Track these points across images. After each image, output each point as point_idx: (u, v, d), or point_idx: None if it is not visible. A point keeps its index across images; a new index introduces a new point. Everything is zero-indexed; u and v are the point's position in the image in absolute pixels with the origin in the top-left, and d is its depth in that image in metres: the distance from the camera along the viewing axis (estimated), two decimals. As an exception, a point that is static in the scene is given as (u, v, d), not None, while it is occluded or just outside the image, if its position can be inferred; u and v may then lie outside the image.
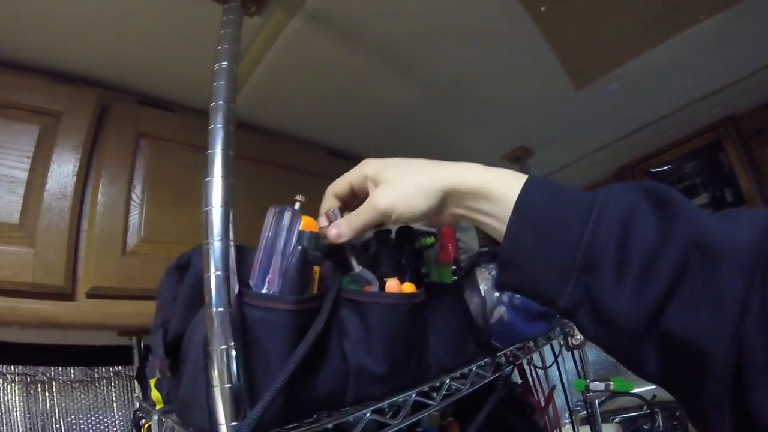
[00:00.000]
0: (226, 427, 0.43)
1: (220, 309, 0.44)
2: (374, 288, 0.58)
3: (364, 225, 0.54)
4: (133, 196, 1.00)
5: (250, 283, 0.49)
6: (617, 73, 1.38)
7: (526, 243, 0.42)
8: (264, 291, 0.49)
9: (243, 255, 0.50)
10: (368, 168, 0.56)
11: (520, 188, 0.44)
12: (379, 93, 1.25)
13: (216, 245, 0.45)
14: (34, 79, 0.97)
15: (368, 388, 0.55)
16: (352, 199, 0.59)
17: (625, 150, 2.05)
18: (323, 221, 0.58)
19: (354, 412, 0.52)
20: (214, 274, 0.44)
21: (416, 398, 0.60)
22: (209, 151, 0.50)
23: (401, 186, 0.51)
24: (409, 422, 0.59)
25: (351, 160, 1.47)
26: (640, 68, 1.38)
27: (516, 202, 0.43)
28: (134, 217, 0.99)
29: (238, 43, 0.62)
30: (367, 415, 0.53)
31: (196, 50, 0.98)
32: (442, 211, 0.52)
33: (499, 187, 0.46)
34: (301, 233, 0.51)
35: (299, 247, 0.49)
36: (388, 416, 0.57)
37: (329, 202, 0.59)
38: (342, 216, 0.57)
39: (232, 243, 0.46)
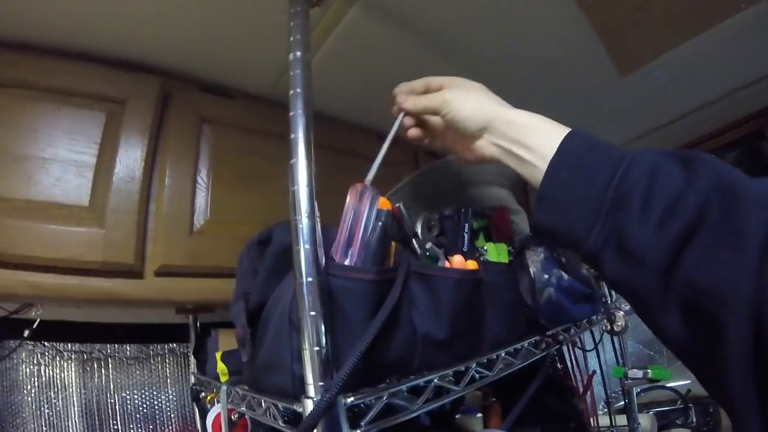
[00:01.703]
0: (314, 386, 0.47)
1: (309, 279, 0.48)
2: (441, 263, 0.62)
3: (424, 106, 0.64)
4: (199, 178, 1.05)
5: (334, 255, 0.53)
6: (662, 60, 1.37)
7: (563, 180, 0.47)
8: (347, 262, 0.52)
9: (322, 231, 0.53)
10: (448, 77, 0.66)
11: (563, 133, 0.50)
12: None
13: (304, 221, 0.49)
14: (97, 68, 1.02)
15: (432, 355, 0.59)
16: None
17: (667, 139, 2.02)
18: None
19: (423, 377, 0.56)
20: (303, 248, 0.48)
21: (475, 368, 0.63)
22: (292, 136, 0.54)
23: (466, 95, 0.61)
24: (468, 391, 0.63)
25: (400, 144, 1.48)
26: (684, 56, 1.37)
27: (560, 144, 0.49)
28: (200, 199, 1.04)
29: (308, 32, 0.65)
30: (435, 380, 0.56)
31: (257, 39, 1.03)
32: (482, 133, 0.59)
33: (543, 128, 0.53)
34: (379, 211, 0.54)
35: (380, 223, 0.53)
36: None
37: (405, 88, 0.69)
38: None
39: (318, 219, 0.50)
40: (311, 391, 0.47)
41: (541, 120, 0.54)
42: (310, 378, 0.47)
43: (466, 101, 0.60)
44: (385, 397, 0.50)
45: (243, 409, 0.66)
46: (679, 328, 0.39)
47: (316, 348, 0.47)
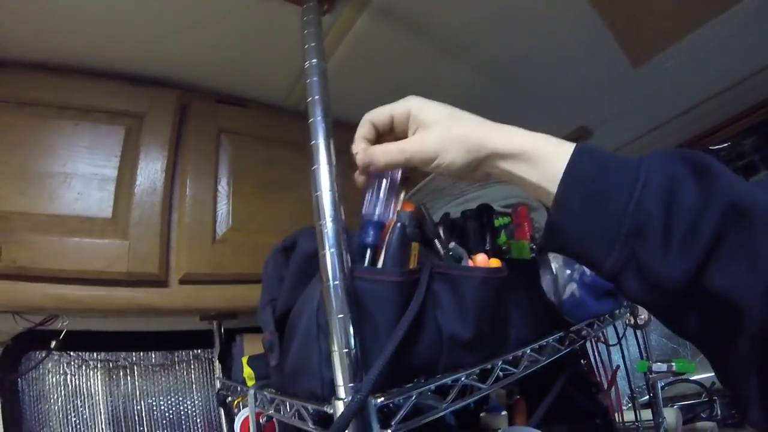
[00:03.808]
0: (345, 388, 0.48)
1: (336, 282, 0.48)
2: (465, 263, 0.62)
3: (398, 160, 0.55)
4: (219, 188, 1.06)
5: (364, 212, 0.57)
6: (673, 50, 1.36)
7: (574, 210, 0.44)
8: (376, 216, 0.56)
9: (347, 235, 0.54)
10: (413, 106, 0.55)
11: (567, 155, 0.46)
12: (442, 81, 1.28)
13: (329, 225, 0.50)
14: (115, 84, 1.04)
15: (458, 356, 0.59)
16: (387, 135, 0.59)
17: (683, 128, 2.00)
18: (358, 145, 0.59)
19: (450, 376, 0.56)
20: (329, 252, 0.49)
21: (501, 366, 0.64)
22: (312, 142, 0.55)
23: (448, 136, 0.52)
24: (494, 389, 0.63)
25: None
26: (696, 44, 1.36)
27: (565, 169, 0.45)
28: (222, 208, 1.06)
29: (321, 40, 0.66)
30: (462, 378, 0.57)
31: (270, 49, 1.04)
32: (478, 168, 0.53)
33: (543, 152, 0.48)
34: (400, 213, 0.55)
35: (398, 224, 0.53)
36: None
37: (366, 128, 0.59)
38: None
39: (342, 223, 0.51)
40: (342, 392, 0.48)
41: (536, 141, 0.50)
42: (340, 380, 0.48)
43: (454, 143, 0.52)
44: (414, 397, 0.51)
45: (271, 412, 0.67)
46: (696, 326, 0.41)
47: (345, 350, 0.48)
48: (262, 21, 0.96)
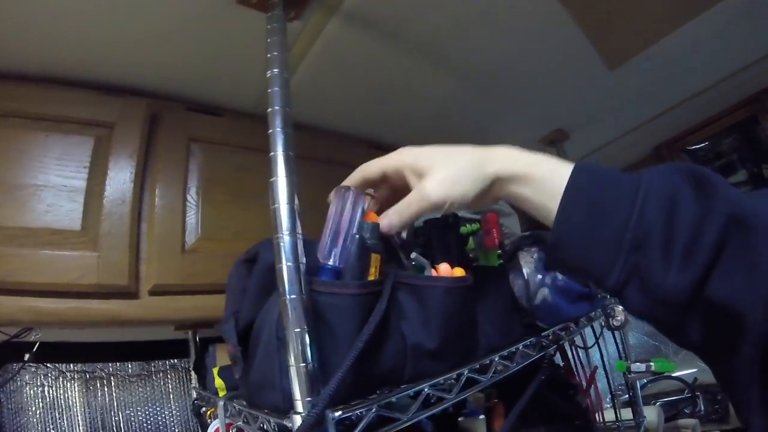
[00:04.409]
0: (302, 402, 0.47)
1: (293, 296, 0.48)
2: (427, 272, 0.62)
3: (414, 215, 0.55)
4: (189, 197, 1.05)
5: (319, 256, 0.53)
6: (649, 52, 1.38)
7: (577, 225, 0.44)
8: (331, 263, 0.53)
9: (307, 246, 0.54)
10: (407, 157, 0.56)
11: (568, 173, 0.46)
12: (417, 86, 1.28)
13: (286, 239, 0.50)
14: (85, 93, 1.03)
15: (424, 365, 0.59)
16: (380, 184, 0.60)
17: (662, 128, 2.02)
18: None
19: (413, 387, 0.56)
20: (285, 265, 0.49)
21: (468, 375, 0.64)
22: (271, 154, 0.54)
23: (450, 173, 0.52)
24: (461, 397, 0.63)
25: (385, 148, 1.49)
26: (672, 46, 1.37)
27: (567, 186, 0.45)
28: (191, 217, 1.05)
29: (286, 49, 0.66)
30: (426, 389, 0.56)
31: (240, 57, 1.04)
32: (488, 195, 0.53)
33: (543, 172, 0.49)
34: (362, 224, 0.55)
35: (357, 236, 0.53)
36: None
37: (357, 181, 0.59)
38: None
39: (299, 236, 0.50)
40: (299, 406, 0.47)
41: (537, 161, 0.50)
42: (297, 394, 0.47)
43: (459, 179, 0.52)
44: (374, 409, 0.50)
45: (240, 423, 0.66)
46: (698, 337, 0.41)
47: (302, 364, 0.47)
48: (230, 27, 0.95)
